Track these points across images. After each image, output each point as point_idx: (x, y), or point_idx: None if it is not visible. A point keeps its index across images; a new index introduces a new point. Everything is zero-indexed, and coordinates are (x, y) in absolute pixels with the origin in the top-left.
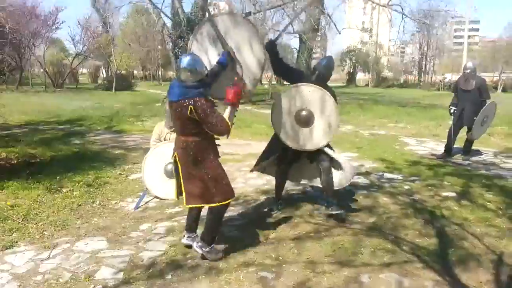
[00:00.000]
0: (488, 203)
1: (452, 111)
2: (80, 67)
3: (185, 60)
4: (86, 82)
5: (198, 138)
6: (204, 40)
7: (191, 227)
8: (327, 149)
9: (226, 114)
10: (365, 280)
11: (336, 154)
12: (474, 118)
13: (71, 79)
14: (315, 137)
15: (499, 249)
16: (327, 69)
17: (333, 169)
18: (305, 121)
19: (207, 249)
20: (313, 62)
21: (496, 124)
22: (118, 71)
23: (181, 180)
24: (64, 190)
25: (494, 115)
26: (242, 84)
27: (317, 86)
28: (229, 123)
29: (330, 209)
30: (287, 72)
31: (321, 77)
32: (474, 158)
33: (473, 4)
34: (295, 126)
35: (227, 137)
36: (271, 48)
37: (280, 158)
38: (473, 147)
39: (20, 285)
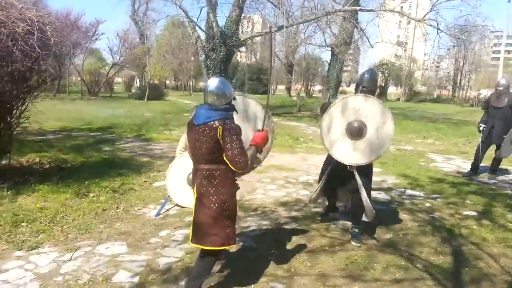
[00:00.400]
0: (510, 224)
1: (481, 128)
2: (115, 76)
3: (213, 84)
4: (120, 91)
5: (223, 166)
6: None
7: None
8: (359, 180)
9: (248, 152)
10: None
11: (364, 192)
12: (504, 136)
13: (106, 88)
14: (364, 152)
15: None
16: (372, 82)
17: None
18: (357, 133)
19: None
20: (344, 75)
21: None
22: (151, 81)
23: (192, 221)
24: (91, 195)
25: None
26: (268, 132)
27: (376, 98)
28: (249, 160)
29: (351, 238)
30: None
31: (365, 91)
32: (501, 177)
33: None
34: (345, 138)
35: (240, 174)
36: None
37: (329, 176)
38: (502, 166)
39: (41, 284)
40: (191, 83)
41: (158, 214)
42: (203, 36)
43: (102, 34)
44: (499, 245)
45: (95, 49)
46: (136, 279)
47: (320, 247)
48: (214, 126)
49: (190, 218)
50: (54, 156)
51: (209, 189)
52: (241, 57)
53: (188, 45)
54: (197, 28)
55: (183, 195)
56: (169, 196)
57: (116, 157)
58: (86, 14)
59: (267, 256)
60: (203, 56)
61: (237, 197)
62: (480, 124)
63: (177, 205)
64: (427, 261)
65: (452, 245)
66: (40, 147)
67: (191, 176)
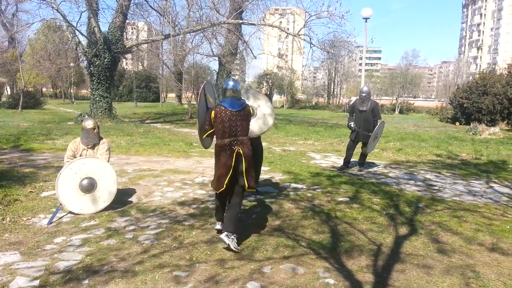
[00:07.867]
0: (375, 205)
1: (353, 125)
2: None
3: (230, 83)
4: None
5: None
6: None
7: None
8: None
9: None
10: (267, 271)
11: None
12: (369, 134)
13: None
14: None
15: (379, 241)
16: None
17: None
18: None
19: (232, 237)
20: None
21: (389, 141)
22: (25, 89)
23: (243, 171)
24: None
25: (382, 132)
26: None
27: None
28: None
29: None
30: None
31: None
32: (368, 169)
33: (371, 36)
34: None
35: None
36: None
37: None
38: (369, 161)
39: None
40: (71, 90)
41: (50, 222)
42: (84, 41)
43: None
44: (367, 223)
45: None
46: (36, 283)
47: (218, 237)
48: (247, 108)
49: (86, 224)
50: None
51: (248, 150)
52: (127, 64)
53: (67, 50)
54: (77, 32)
55: (76, 202)
56: (60, 204)
57: None
58: None
59: (169, 250)
60: (86, 63)
61: (134, 201)
62: (351, 124)
63: (70, 212)
64: (310, 239)
65: (329, 225)
66: None
67: (84, 182)
